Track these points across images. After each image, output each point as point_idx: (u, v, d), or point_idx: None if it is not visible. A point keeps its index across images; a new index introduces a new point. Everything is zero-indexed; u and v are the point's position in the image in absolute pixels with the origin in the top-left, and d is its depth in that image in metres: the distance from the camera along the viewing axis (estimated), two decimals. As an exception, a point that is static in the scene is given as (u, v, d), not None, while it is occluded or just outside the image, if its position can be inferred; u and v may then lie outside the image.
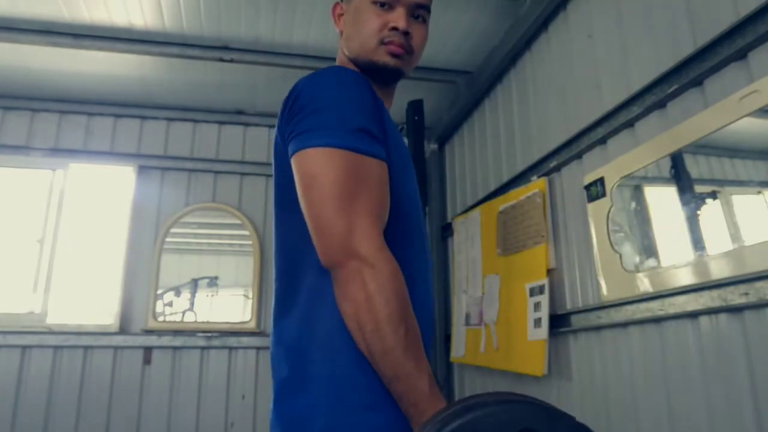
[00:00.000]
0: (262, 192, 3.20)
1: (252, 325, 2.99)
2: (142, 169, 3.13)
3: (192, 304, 3.11)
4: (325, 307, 0.80)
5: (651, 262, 1.56)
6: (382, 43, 0.94)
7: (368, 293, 0.72)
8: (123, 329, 2.89)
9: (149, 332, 2.89)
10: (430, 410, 0.69)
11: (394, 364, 0.72)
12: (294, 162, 0.81)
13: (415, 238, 0.91)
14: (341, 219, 0.74)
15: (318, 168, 0.77)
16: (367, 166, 0.78)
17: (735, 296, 1.21)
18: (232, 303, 3.17)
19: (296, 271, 0.85)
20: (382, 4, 0.94)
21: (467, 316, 2.63)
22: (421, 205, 0.98)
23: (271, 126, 3.21)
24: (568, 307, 1.89)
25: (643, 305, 1.50)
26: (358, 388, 0.77)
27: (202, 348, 2.94)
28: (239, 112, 3.28)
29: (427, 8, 0.99)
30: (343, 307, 0.75)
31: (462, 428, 0.57)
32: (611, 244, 1.66)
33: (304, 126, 0.80)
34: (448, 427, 0.57)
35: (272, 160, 0.92)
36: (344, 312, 0.75)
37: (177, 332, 2.93)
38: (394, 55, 0.94)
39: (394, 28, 0.93)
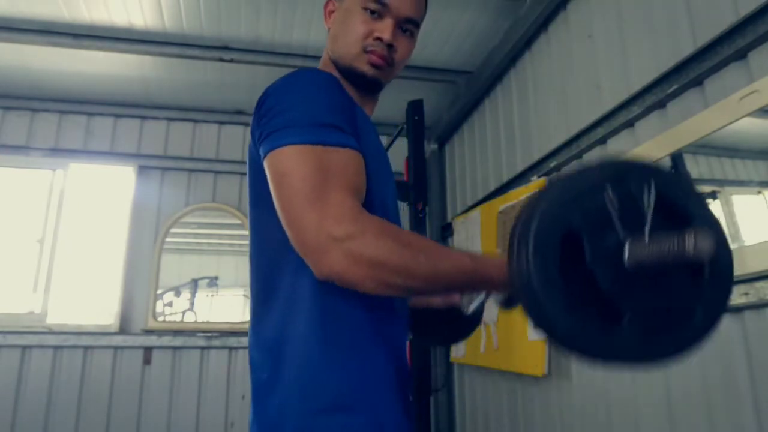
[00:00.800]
0: (262, 192, 3.19)
1: (252, 325, 2.99)
2: (142, 169, 3.13)
3: (192, 304, 3.11)
4: (300, 309, 0.80)
5: (651, 262, 1.55)
6: (364, 51, 0.92)
7: (373, 261, 0.70)
8: (123, 329, 2.89)
9: (149, 332, 2.89)
10: (493, 271, 0.70)
11: (440, 282, 0.73)
12: (265, 165, 0.80)
13: None
14: (312, 213, 0.72)
15: (287, 167, 0.76)
16: (337, 157, 0.77)
17: (735, 296, 1.21)
18: (232, 303, 3.17)
19: (274, 272, 0.84)
20: (372, 12, 0.92)
21: (467, 316, 2.62)
22: (398, 209, 0.97)
23: (271, 126, 3.22)
24: (568, 307, 1.89)
25: (643, 305, 1.50)
26: (330, 390, 0.77)
27: (202, 348, 2.94)
28: (239, 112, 3.28)
29: (416, 23, 0.97)
30: (368, 290, 0.72)
31: (538, 238, 0.56)
32: (611, 244, 1.66)
33: (271, 127, 0.80)
34: (532, 259, 0.56)
35: (247, 160, 0.92)
36: (373, 292, 0.73)
37: (177, 332, 2.93)
38: (373, 66, 0.93)
39: (379, 39, 0.92)
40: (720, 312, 0.60)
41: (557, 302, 0.55)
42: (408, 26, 0.95)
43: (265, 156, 0.80)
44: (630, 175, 0.60)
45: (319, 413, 0.76)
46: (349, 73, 0.95)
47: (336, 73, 0.96)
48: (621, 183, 0.59)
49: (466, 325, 1.14)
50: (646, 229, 0.56)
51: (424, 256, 0.72)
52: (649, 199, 0.58)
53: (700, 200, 0.61)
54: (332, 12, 1.01)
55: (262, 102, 0.85)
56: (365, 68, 0.93)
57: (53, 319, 2.85)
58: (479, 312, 1.07)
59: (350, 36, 0.93)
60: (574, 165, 0.60)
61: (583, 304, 0.55)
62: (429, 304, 1.08)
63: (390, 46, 0.93)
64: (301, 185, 0.74)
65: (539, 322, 0.57)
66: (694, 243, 0.51)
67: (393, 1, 0.92)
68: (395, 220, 0.94)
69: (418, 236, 0.76)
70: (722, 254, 0.60)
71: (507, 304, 0.88)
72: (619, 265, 0.56)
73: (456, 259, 0.73)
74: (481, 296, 0.99)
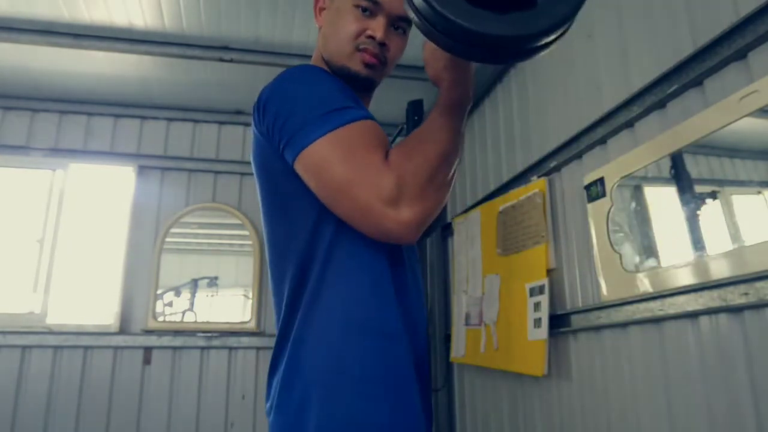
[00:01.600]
0: (262, 192, 3.19)
1: (252, 325, 2.99)
2: (142, 169, 3.13)
3: (192, 304, 3.11)
4: (326, 300, 0.81)
5: (651, 262, 1.56)
6: (357, 49, 0.93)
7: (426, 182, 0.77)
8: (123, 329, 2.89)
9: (149, 332, 2.89)
10: (452, 95, 0.81)
11: (456, 137, 0.81)
12: (298, 169, 0.82)
13: None
14: (363, 191, 0.76)
15: (320, 160, 0.78)
16: (357, 131, 0.80)
17: (735, 296, 1.21)
18: (232, 303, 3.17)
19: (297, 268, 0.85)
20: (364, 9, 0.92)
21: (467, 316, 2.63)
22: None
23: (271, 126, 3.22)
24: (568, 307, 1.89)
25: (643, 305, 1.50)
26: (352, 378, 0.77)
27: (202, 348, 2.94)
28: (239, 112, 3.28)
29: (409, 21, 0.95)
30: (446, 197, 0.83)
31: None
32: (611, 244, 1.66)
33: (289, 132, 0.81)
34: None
35: (253, 162, 0.92)
36: (448, 192, 0.84)
37: (177, 332, 2.93)
38: (366, 65, 0.93)
39: (371, 37, 0.92)
40: None
41: (484, 16, 0.62)
42: (401, 24, 0.95)
43: (294, 161, 0.81)
44: None
45: (342, 401, 0.76)
46: (342, 72, 0.94)
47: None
48: None
49: None
50: None
51: (434, 135, 0.80)
52: None
53: None
54: (322, 9, 1.01)
55: (263, 107, 0.86)
56: (358, 68, 0.93)
57: (53, 319, 2.85)
58: None
59: (342, 34, 0.93)
60: None
61: (507, 9, 0.63)
62: None
63: (383, 45, 0.93)
64: (339, 173, 0.77)
65: (474, 41, 0.64)
66: None
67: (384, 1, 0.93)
68: None
69: (417, 131, 0.83)
70: None
71: None
72: None
73: (437, 115, 0.81)
74: None
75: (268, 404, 0.86)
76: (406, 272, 0.90)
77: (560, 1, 0.64)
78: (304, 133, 0.79)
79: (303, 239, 0.84)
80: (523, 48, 0.66)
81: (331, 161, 0.77)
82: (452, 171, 0.82)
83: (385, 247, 0.84)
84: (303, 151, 0.79)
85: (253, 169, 0.93)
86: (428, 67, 0.82)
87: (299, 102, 0.83)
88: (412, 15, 0.67)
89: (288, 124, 0.81)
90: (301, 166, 0.81)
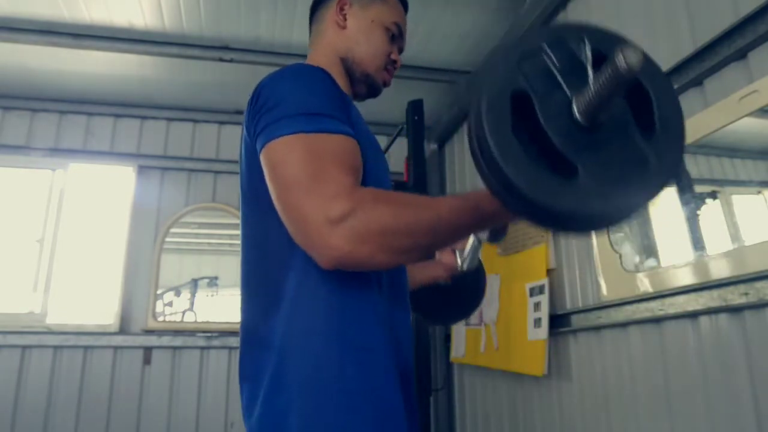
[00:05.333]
0: (262, 192, 3.19)
1: (252, 325, 2.99)
2: (142, 169, 3.13)
3: (192, 304, 3.11)
4: (305, 307, 0.80)
5: (651, 262, 1.56)
6: (384, 67, 1.06)
7: (377, 231, 0.70)
8: (123, 329, 2.89)
9: (149, 332, 2.89)
10: (485, 200, 0.70)
11: (445, 230, 0.74)
12: (261, 159, 0.81)
13: None
14: (309, 199, 0.72)
15: (281, 157, 0.77)
16: (331, 143, 0.78)
17: (735, 296, 1.21)
18: (232, 303, 3.17)
19: (278, 272, 0.83)
20: (393, 36, 1.06)
21: (467, 316, 2.63)
22: None
23: (271, 126, 3.22)
24: (568, 307, 1.89)
25: (643, 305, 1.50)
26: (335, 389, 0.76)
27: (202, 348, 2.94)
28: (239, 112, 3.27)
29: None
30: (381, 262, 0.74)
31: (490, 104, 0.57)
32: (611, 244, 1.66)
33: (265, 122, 0.81)
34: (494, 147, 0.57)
35: (240, 161, 0.92)
36: (387, 263, 0.74)
37: (177, 332, 2.93)
38: (384, 83, 1.08)
39: (394, 61, 1.07)
40: (674, 158, 0.60)
41: (514, 160, 0.56)
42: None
43: (260, 150, 0.81)
44: (565, 34, 0.62)
45: (323, 412, 0.75)
46: (363, 77, 1.04)
47: (336, 68, 1.00)
48: (558, 43, 0.61)
49: (474, 284, 1.21)
50: (590, 80, 0.57)
51: (423, 210, 0.74)
52: (586, 53, 0.59)
53: (628, 42, 0.62)
54: (344, 8, 1.04)
55: (255, 97, 0.87)
56: (380, 82, 1.06)
57: (53, 319, 2.84)
58: (478, 264, 1.14)
59: (378, 50, 1.04)
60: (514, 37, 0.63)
61: (540, 162, 0.57)
62: (433, 279, 1.16)
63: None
64: (297, 173, 0.75)
65: (498, 182, 0.59)
66: (623, 59, 0.51)
67: (404, 35, 1.09)
68: None
69: (411, 194, 0.78)
70: (668, 103, 0.61)
71: (494, 236, 0.94)
72: (570, 120, 0.58)
73: (452, 203, 0.75)
74: (471, 245, 1.08)
75: (243, 407, 0.84)
76: (392, 279, 0.89)
77: (620, 194, 0.57)
78: (278, 125, 0.79)
79: (280, 241, 0.81)
80: (563, 220, 0.60)
81: (292, 161, 0.76)
82: (425, 246, 0.76)
83: None
84: (271, 142, 0.78)
85: (240, 168, 0.93)
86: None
87: (286, 97, 0.83)
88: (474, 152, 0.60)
89: (267, 115, 0.81)
90: (263, 158, 0.80)
